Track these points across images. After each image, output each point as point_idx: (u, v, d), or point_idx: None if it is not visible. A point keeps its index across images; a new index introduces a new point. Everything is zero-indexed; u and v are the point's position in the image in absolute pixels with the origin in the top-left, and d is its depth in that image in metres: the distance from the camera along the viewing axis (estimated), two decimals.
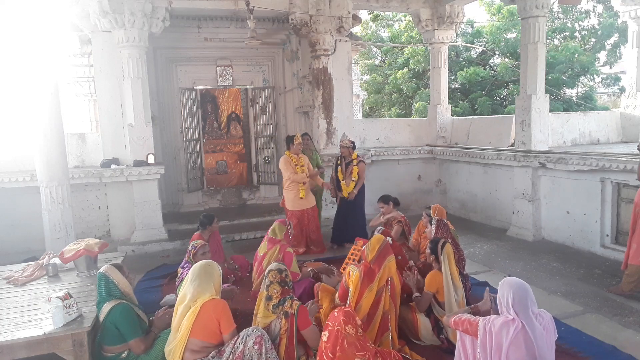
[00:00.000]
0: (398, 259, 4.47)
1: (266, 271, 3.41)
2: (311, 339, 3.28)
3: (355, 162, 6.56)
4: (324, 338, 2.83)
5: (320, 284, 4.20)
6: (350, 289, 3.53)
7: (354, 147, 6.65)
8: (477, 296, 4.58)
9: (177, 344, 3.00)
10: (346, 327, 2.83)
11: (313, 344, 3.31)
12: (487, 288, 3.05)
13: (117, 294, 3.29)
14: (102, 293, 3.29)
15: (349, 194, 6.51)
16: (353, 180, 6.51)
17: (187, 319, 3.00)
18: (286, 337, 3.16)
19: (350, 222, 6.56)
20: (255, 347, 2.97)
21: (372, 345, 3.01)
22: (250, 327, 3.08)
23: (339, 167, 6.66)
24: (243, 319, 3.88)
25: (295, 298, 3.36)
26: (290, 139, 6.44)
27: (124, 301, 3.29)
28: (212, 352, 3.00)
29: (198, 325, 2.97)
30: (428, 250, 4.00)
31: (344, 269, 4.24)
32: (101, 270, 3.36)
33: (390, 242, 4.49)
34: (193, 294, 3.08)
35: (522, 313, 2.61)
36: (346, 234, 6.45)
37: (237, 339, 3.00)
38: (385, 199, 5.84)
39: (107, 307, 3.20)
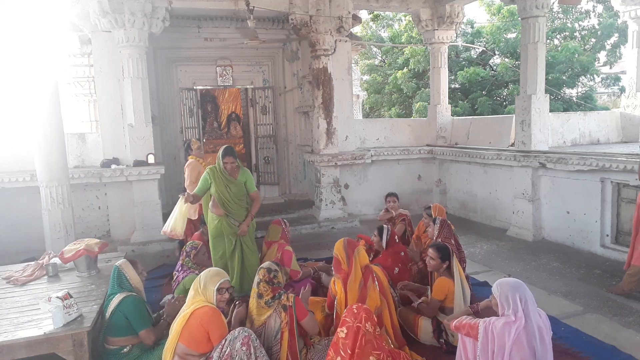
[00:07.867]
0: (401, 255, 4.52)
1: (258, 268, 3.43)
2: (310, 327, 3.36)
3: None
4: (342, 334, 2.85)
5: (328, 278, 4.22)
6: (337, 297, 3.58)
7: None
8: (476, 296, 4.58)
9: (168, 346, 3.02)
10: (366, 324, 2.86)
11: (312, 332, 3.40)
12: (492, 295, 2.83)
13: (127, 287, 3.39)
14: (114, 285, 3.39)
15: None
16: None
17: (178, 324, 3.02)
18: (287, 331, 3.18)
19: None
20: (244, 348, 2.93)
21: (386, 344, 3.03)
22: (237, 329, 3.03)
23: None
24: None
25: (288, 292, 3.38)
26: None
27: (134, 294, 3.38)
28: None
29: (186, 331, 2.98)
30: (433, 261, 3.81)
31: None
32: (116, 263, 3.48)
33: (397, 240, 4.59)
34: (189, 300, 3.11)
35: (530, 312, 2.64)
36: None
37: (225, 342, 2.95)
38: (396, 195, 6.14)
39: (118, 297, 3.29)
